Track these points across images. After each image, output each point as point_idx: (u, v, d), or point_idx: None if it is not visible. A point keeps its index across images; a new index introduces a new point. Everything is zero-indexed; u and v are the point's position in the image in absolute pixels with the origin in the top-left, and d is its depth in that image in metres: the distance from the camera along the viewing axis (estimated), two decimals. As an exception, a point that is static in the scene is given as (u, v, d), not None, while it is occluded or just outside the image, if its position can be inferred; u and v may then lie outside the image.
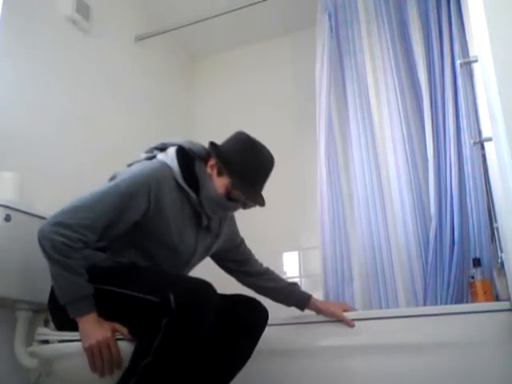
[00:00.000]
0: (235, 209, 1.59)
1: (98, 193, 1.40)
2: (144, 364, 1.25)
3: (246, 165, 1.49)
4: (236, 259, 1.77)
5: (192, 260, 1.60)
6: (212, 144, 1.55)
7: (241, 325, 1.53)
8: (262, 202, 1.53)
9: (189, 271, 1.66)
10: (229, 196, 1.50)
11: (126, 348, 1.33)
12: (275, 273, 1.82)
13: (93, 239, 1.37)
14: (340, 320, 1.75)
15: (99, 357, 1.30)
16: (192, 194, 1.51)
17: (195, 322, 1.27)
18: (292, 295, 1.80)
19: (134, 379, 1.25)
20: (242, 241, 1.79)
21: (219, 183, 1.50)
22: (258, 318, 1.57)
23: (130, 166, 1.58)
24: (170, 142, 1.60)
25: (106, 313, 1.36)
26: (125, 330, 1.34)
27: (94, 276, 1.38)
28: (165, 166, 1.49)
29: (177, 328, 1.25)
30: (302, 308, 1.81)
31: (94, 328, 1.31)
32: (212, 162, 1.52)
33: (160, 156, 1.54)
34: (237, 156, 1.50)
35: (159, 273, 1.45)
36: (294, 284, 1.82)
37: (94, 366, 1.31)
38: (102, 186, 1.44)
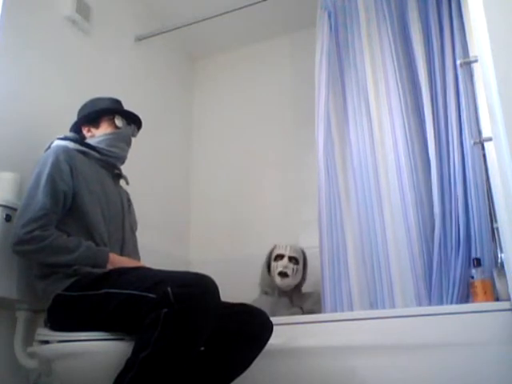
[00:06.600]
0: (130, 132, 1.82)
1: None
2: (143, 356, 1.22)
3: (96, 106, 1.81)
4: None
5: (125, 214, 1.73)
6: (74, 124, 1.80)
7: (244, 334, 1.49)
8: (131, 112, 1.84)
9: (134, 239, 1.79)
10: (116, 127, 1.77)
11: (126, 348, 1.32)
12: None
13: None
14: None
15: None
16: (93, 153, 1.70)
17: (195, 312, 1.25)
18: None
19: (133, 372, 1.22)
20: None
21: (102, 131, 1.75)
22: (262, 329, 1.54)
23: None
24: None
25: (108, 315, 1.36)
26: None
27: (90, 284, 1.40)
28: (59, 147, 1.65)
29: (176, 318, 1.23)
30: None
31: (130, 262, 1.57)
32: (85, 129, 1.78)
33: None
34: (89, 109, 1.79)
35: (154, 271, 1.45)
36: None
37: None
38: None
